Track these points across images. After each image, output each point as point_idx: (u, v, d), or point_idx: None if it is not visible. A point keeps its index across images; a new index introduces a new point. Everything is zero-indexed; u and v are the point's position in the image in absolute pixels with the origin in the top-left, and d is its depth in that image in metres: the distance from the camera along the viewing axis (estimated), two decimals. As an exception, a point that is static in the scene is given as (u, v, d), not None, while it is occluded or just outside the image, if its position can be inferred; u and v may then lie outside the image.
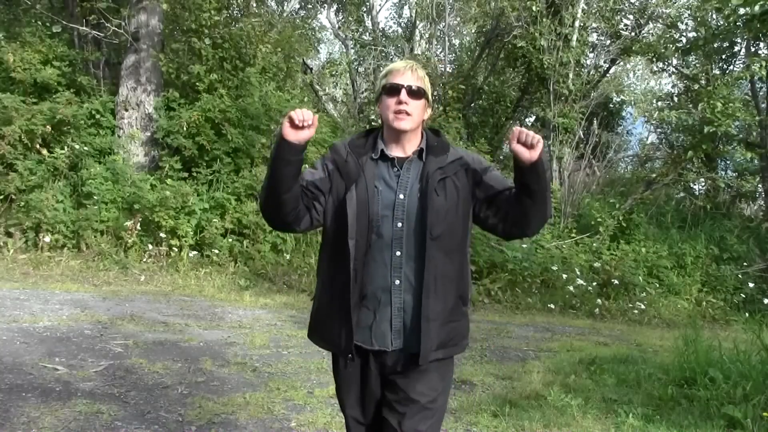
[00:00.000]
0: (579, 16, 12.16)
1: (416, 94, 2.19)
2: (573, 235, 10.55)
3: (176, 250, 8.61)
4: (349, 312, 2.15)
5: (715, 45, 12.05)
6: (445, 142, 2.29)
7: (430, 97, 2.25)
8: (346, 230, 2.14)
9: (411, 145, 2.25)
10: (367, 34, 16.60)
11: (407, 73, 2.19)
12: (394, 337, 2.20)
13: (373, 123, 11.89)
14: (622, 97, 16.63)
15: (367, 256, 2.16)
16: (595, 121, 12.51)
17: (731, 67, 12.98)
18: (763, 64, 10.74)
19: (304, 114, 2.07)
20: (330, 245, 2.24)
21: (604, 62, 14.02)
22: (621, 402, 4.72)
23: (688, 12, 12.81)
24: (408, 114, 2.17)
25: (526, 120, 17.19)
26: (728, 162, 14.27)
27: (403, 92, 2.17)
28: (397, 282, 2.18)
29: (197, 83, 9.61)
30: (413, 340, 2.18)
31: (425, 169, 2.20)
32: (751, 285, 9.77)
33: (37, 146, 8.91)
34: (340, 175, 2.19)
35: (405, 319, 2.19)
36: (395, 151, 2.24)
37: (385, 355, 2.22)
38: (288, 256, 8.89)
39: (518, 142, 2.09)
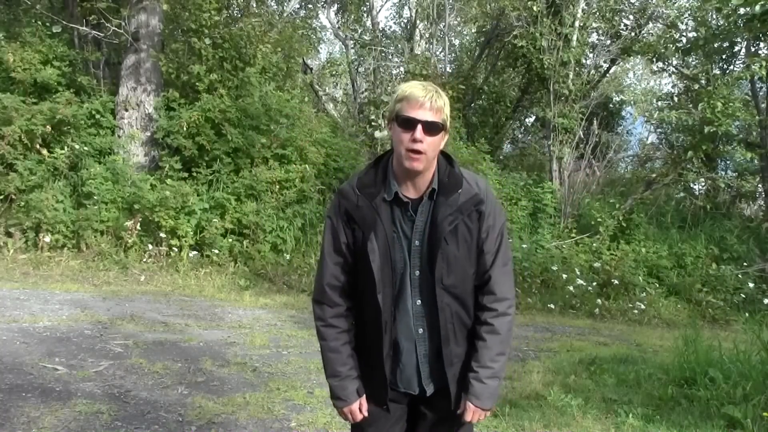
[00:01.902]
0: (579, 16, 12.17)
1: (433, 129, 1.99)
2: (573, 235, 10.55)
3: (176, 250, 8.60)
4: (383, 364, 2.10)
5: (715, 45, 12.04)
6: (457, 176, 2.10)
7: (448, 123, 2.06)
8: (372, 284, 2.04)
9: (423, 182, 2.08)
10: (367, 34, 16.59)
11: (426, 105, 1.98)
12: (425, 384, 2.15)
13: (372, 123, 11.89)
14: (622, 97, 16.65)
15: (392, 306, 2.09)
16: (595, 121, 12.51)
17: (731, 67, 12.99)
18: (763, 64, 10.73)
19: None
20: (359, 295, 2.15)
21: (604, 62, 14.03)
22: (621, 402, 4.72)
23: (688, 12, 12.81)
24: (422, 153, 1.99)
25: (526, 120, 17.22)
26: (728, 162, 14.28)
27: (419, 129, 1.97)
28: (421, 331, 2.11)
29: (197, 83, 9.61)
30: (443, 380, 2.14)
31: (434, 214, 2.05)
32: (751, 285, 9.76)
33: (37, 146, 8.90)
34: (355, 221, 2.07)
35: (432, 363, 2.14)
36: (408, 191, 2.08)
37: (413, 397, 2.20)
38: (288, 256, 8.88)
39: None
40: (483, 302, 2.13)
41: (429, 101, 1.99)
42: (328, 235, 2.14)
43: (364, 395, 2.17)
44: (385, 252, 2.04)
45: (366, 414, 2.17)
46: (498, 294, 2.13)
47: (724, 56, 12.89)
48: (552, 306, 8.70)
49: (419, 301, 2.09)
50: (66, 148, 8.96)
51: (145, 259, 8.49)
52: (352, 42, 16.16)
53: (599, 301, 9.00)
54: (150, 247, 8.58)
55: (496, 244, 2.12)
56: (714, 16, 12.10)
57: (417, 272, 2.07)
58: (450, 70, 14.97)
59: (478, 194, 2.08)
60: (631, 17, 13.51)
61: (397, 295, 2.08)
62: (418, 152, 1.99)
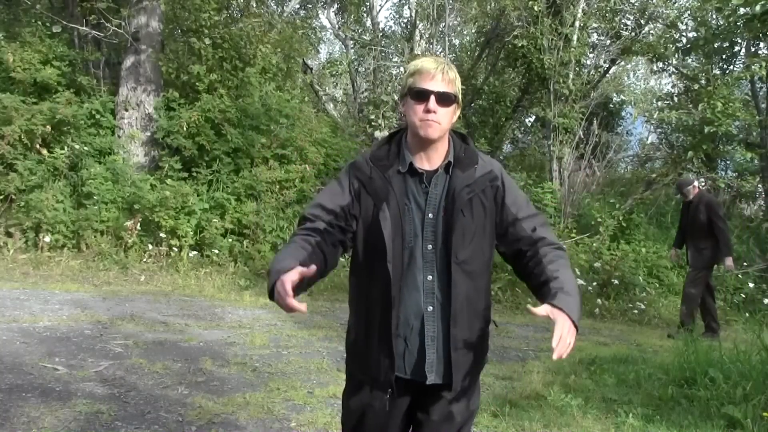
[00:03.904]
0: (579, 16, 12.17)
1: (446, 100, 2.00)
2: (573, 235, 10.54)
3: (176, 250, 8.60)
4: (390, 340, 2.01)
5: (715, 45, 12.05)
6: (473, 152, 2.12)
7: (460, 97, 2.07)
8: (382, 253, 1.99)
9: (438, 155, 2.07)
10: (367, 34, 16.60)
11: (438, 76, 2.00)
12: (428, 370, 2.05)
13: (372, 123, 11.89)
14: (622, 97, 16.64)
15: (402, 281, 2.03)
16: (595, 121, 12.52)
17: (731, 67, 13.00)
18: (763, 64, 10.74)
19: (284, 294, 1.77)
20: (364, 269, 2.08)
21: (604, 62, 14.04)
22: (621, 402, 4.72)
23: (688, 12, 12.81)
24: (437, 122, 2.00)
25: (526, 120, 17.23)
26: (728, 162, 14.29)
27: (432, 100, 1.99)
28: (430, 308, 2.04)
29: (197, 83, 9.62)
30: (446, 371, 2.06)
31: (451, 186, 2.04)
32: (751, 285, 9.76)
33: (37, 146, 8.90)
34: (367, 192, 2.04)
35: (438, 348, 2.05)
36: (422, 163, 2.07)
37: (417, 386, 2.09)
38: (288, 256, 8.87)
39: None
40: (540, 244, 2.07)
41: (441, 73, 2.01)
42: (327, 190, 2.10)
43: (304, 269, 1.83)
44: (397, 223, 2.01)
45: (295, 299, 1.81)
46: (554, 243, 2.09)
47: (724, 56, 12.90)
48: (552, 306, 8.68)
49: (430, 276, 2.03)
50: (66, 148, 8.96)
51: (145, 259, 8.49)
52: (352, 42, 16.17)
53: (599, 301, 9.00)
54: (150, 247, 8.58)
55: (530, 208, 2.13)
56: (714, 16, 12.11)
57: (429, 246, 2.03)
58: (450, 70, 14.93)
59: (492, 170, 2.10)
60: (631, 17, 13.52)
61: (407, 269, 2.02)
62: (433, 121, 2.01)
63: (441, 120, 2.01)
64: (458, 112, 2.10)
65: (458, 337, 2.03)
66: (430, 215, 2.04)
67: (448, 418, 2.12)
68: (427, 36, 15.13)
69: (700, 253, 7.52)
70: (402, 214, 2.02)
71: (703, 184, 7.56)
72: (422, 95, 2.00)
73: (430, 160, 2.07)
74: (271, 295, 1.85)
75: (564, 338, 1.82)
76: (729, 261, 7.39)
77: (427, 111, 2.00)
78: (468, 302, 2.04)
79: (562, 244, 2.14)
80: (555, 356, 1.81)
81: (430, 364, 2.05)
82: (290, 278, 1.78)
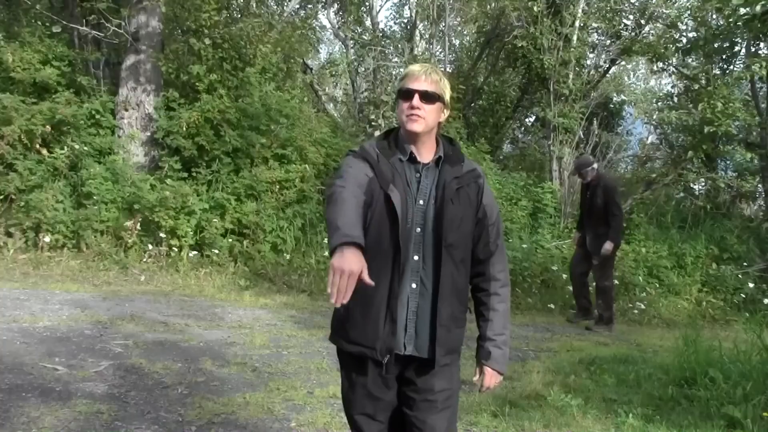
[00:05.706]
0: (579, 16, 12.17)
1: (429, 98, 2.24)
2: (573, 235, 10.53)
3: (176, 250, 8.60)
4: (395, 313, 2.21)
5: (715, 45, 12.04)
6: (459, 152, 2.36)
7: (446, 99, 2.30)
8: (391, 231, 2.19)
9: (427, 151, 2.30)
10: (367, 34, 16.58)
11: (422, 77, 2.24)
12: (407, 342, 2.27)
13: (372, 123, 11.89)
14: (622, 97, 16.63)
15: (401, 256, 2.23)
16: (595, 121, 12.52)
17: (731, 67, 12.98)
18: (763, 64, 10.74)
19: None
20: (372, 244, 2.17)
21: (604, 62, 14.04)
22: (621, 402, 4.72)
23: (688, 12, 12.81)
24: (421, 117, 2.22)
25: (526, 120, 17.23)
26: (728, 162, 14.27)
27: (416, 97, 2.22)
28: (414, 286, 2.25)
29: (197, 83, 9.61)
30: (423, 345, 2.26)
31: (441, 177, 2.27)
32: (751, 285, 9.76)
33: (37, 146, 8.89)
34: (375, 174, 2.22)
35: (417, 323, 2.26)
36: (417, 155, 2.30)
37: (401, 360, 2.28)
38: (288, 256, 8.88)
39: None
40: (490, 273, 2.35)
41: (424, 74, 2.25)
42: (349, 170, 2.17)
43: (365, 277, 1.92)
44: (404, 203, 2.20)
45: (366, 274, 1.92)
46: (502, 265, 2.37)
47: (724, 56, 12.88)
48: (552, 306, 8.69)
49: (417, 257, 2.25)
50: (66, 148, 8.95)
51: (145, 259, 8.49)
52: (352, 42, 16.15)
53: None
54: (150, 247, 8.57)
55: (496, 219, 2.37)
56: (714, 16, 12.10)
57: (418, 229, 2.25)
58: (450, 70, 14.95)
59: (476, 169, 2.36)
60: (631, 17, 13.51)
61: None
62: (418, 115, 2.23)
63: (425, 116, 2.23)
64: (446, 113, 2.31)
65: (443, 314, 2.25)
66: (421, 202, 2.26)
67: (432, 395, 2.28)
68: (427, 36, 15.11)
69: (598, 239, 7.37)
70: (407, 198, 2.23)
71: (603, 166, 7.47)
72: (408, 94, 2.24)
73: (421, 155, 2.30)
74: (332, 254, 1.92)
75: (489, 387, 2.37)
76: (608, 245, 7.20)
77: (411, 107, 2.23)
78: (452, 283, 2.26)
79: (506, 268, 2.40)
80: (483, 390, 2.39)
81: (410, 337, 2.26)
82: (356, 277, 1.88)
